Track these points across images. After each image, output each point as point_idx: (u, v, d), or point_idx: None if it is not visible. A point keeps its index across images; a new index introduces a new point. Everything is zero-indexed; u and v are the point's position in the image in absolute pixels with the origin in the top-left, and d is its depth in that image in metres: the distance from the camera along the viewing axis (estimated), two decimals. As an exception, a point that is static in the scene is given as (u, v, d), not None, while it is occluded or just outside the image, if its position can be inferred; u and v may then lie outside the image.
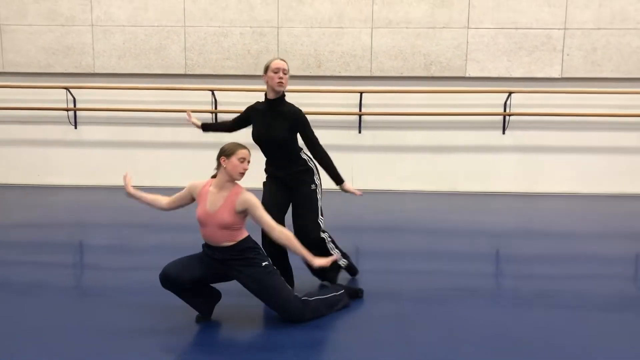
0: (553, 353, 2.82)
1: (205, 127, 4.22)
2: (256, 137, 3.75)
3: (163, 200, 3.40)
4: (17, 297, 3.63)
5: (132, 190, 3.38)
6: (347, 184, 3.75)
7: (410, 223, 6.17)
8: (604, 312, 3.43)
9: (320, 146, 3.71)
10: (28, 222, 5.95)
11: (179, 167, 8.16)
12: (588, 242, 5.31)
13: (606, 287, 3.92)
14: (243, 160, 3.14)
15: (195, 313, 3.27)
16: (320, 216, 3.71)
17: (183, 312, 3.31)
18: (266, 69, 3.62)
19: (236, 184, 3.20)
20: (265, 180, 3.83)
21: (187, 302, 3.23)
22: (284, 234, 3.13)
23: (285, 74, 3.59)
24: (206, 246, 3.21)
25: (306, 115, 3.70)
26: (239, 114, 3.97)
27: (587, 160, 7.98)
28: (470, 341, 2.95)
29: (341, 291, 3.45)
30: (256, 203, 3.13)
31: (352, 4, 7.80)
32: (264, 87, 3.73)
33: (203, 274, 3.13)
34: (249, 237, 3.22)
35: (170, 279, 3.10)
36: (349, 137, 8.05)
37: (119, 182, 8.04)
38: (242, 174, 3.16)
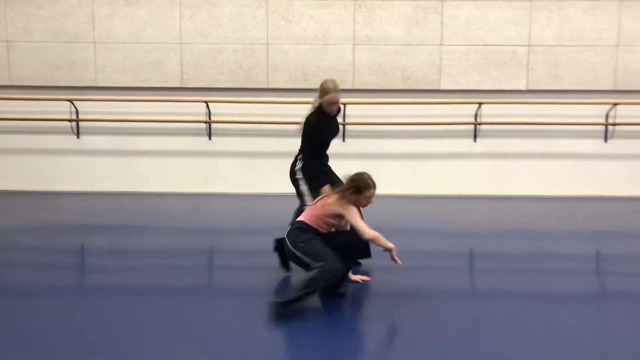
0: (521, 341, 3.23)
1: None
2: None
3: None
4: (18, 299, 3.95)
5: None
6: None
7: (393, 223, 6.80)
8: (571, 303, 3.93)
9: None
10: (33, 226, 6.49)
11: (176, 174, 8.76)
12: (554, 240, 5.90)
13: (571, 282, 4.45)
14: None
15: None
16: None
17: (185, 313, 3.91)
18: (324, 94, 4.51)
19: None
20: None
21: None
22: None
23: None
24: None
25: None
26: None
27: (551, 165, 8.72)
28: (446, 332, 3.38)
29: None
30: None
31: (335, 23, 8.49)
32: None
33: None
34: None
35: None
36: (335, 145, 8.65)
37: (120, 188, 8.72)
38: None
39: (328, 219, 3.93)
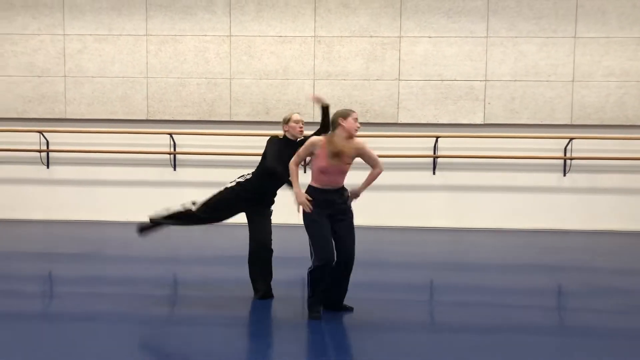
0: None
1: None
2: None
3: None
4: None
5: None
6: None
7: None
8: (524, 335, 3.98)
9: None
10: (6, 252, 6.75)
11: (141, 203, 8.95)
12: (510, 273, 5.91)
13: (526, 315, 4.45)
14: (356, 119, 4.21)
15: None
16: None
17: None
18: (287, 120, 4.79)
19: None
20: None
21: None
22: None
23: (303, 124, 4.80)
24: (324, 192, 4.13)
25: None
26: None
27: (510, 198, 8.79)
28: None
29: None
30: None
31: (296, 58, 8.75)
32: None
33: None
34: None
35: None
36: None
37: (86, 217, 8.92)
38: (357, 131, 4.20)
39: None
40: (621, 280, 5.73)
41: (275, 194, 4.88)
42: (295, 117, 4.81)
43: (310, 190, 4.18)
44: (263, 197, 4.82)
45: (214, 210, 4.78)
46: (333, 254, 4.11)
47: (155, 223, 4.90)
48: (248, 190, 4.75)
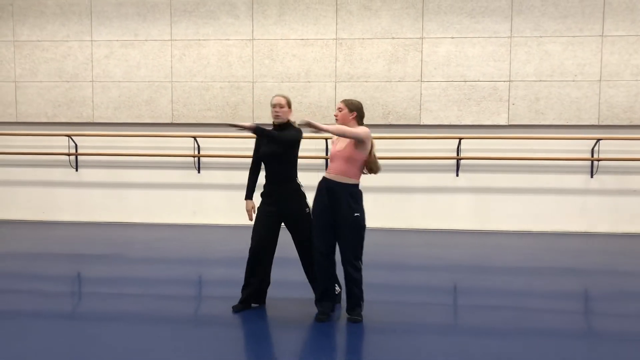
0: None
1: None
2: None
3: None
4: (9, 322, 4.31)
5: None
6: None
7: (374, 257, 6.81)
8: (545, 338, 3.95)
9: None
10: (30, 254, 6.91)
11: (166, 205, 9.14)
12: (535, 277, 5.80)
13: (552, 320, 4.39)
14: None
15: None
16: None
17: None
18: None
19: None
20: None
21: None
22: None
23: (282, 107, 4.56)
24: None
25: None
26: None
27: (535, 201, 8.64)
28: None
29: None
30: None
31: (317, 61, 8.78)
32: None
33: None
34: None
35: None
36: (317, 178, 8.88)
37: (114, 218, 9.10)
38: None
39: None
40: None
41: (275, 188, 4.65)
42: (273, 100, 4.58)
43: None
44: (268, 193, 4.66)
45: (255, 236, 4.56)
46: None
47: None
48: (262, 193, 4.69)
